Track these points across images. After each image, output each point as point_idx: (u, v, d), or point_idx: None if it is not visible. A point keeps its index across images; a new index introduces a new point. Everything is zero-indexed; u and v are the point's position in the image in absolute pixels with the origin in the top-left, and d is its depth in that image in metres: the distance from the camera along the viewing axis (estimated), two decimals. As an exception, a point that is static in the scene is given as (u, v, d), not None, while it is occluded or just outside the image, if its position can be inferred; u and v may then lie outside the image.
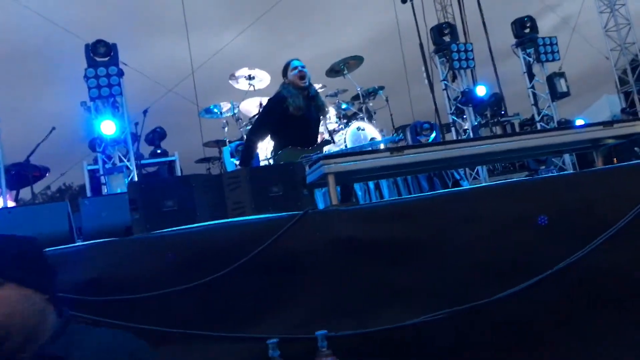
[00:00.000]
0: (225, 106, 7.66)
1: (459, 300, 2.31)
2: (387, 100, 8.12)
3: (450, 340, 2.33)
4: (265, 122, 4.86)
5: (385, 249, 2.45)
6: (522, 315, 2.37)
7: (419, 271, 2.43)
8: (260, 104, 7.42)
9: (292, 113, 4.64)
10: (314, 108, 4.88)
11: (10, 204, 6.57)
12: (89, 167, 7.05)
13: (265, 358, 2.15)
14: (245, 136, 6.00)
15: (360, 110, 7.30)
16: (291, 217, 2.45)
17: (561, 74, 8.41)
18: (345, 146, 6.01)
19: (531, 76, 8.51)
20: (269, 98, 5.29)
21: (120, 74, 6.41)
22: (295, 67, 4.78)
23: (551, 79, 8.35)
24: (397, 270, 2.44)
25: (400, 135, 6.10)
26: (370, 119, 7.13)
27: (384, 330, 2.26)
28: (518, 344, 2.39)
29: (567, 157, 7.62)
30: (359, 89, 7.44)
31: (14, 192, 6.97)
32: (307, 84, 4.81)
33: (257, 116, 5.27)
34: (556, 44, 8.35)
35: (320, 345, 2.17)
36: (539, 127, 8.17)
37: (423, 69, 7.91)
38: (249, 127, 7.45)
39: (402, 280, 2.42)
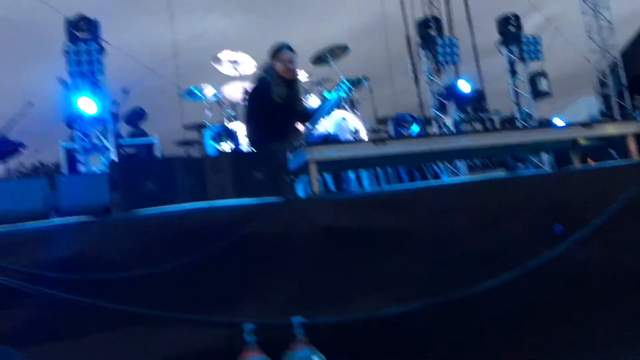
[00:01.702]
0: (208, 89, 7.55)
1: (437, 292, 2.35)
2: (371, 91, 8.10)
3: (428, 331, 2.36)
4: (257, 115, 4.69)
5: (365, 239, 2.47)
6: (500, 308, 2.42)
7: (398, 262, 2.46)
8: (246, 91, 7.35)
9: (275, 101, 4.58)
10: (293, 95, 4.81)
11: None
12: (66, 145, 6.91)
13: (242, 343, 2.15)
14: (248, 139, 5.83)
15: (343, 100, 7.28)
16: (272, 204, 2.45)
17: (543, 74, 8.51)
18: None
19: (514, 74, 8.59)
20: (254, 87, 5.17)
21: (101, 50, 6.29)
22: (286, 60, 4.62)
23: (533, 78, 8.44)
24: (376, 260, 2.46)
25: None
26: (353, 109, 7.12)
27: (362, 319, 2.28)
28: (496, 336, 2.43)
29: (545, 156, 7.73)
30: (342, 77, 7.42)
31: (-12, 166, 6.83)
32: (292, 77, 4.69)
33: (248, 110, 5.11)
34: (540, 43, 8.43)
35: (296, 332, 2.18)
36: (519, 126, 8.27)
37: (408, 61, 7.93)
38: (231, 112, 7.40)
39: (380, 270, 2.44)
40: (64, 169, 6.90)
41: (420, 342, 2.36)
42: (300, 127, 5.06)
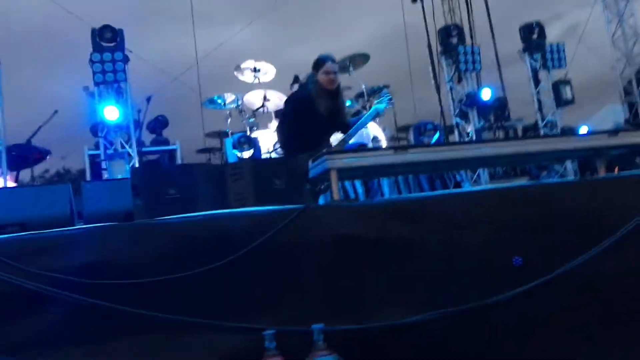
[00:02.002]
0: (229, 97, 7.64)
1: (456, 301, 2.32)
2: (391, 99, 8.09)
3: (445, 340, 2.34)
4: (296, 124, 4.67)
5: (384, 247, 2.46)
6: (520, 319, 2.38)
7: (418, 270, 2.44)
8: (265, 97, 7.40)
9: (320, 113, 4.56)
10: (338, 107, 4.83)
11: (11, 184, 6.58)
12: (90, 152, 7.04)
13: (261, 349, 2.15)
14: (277, 145, 5.80)
15: (364, 108, 7.29)
16: (292, 211, 2.46)
17: (567, 82, 8.41)
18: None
19: (537, 82, 8.51)
20: (293, 96, 5.16)
21: (126, 60, 6.40)
22: (329, 72, 4.66)
23: (557, 86, 8.35)
24: (396, 269, 2.44)
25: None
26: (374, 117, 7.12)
27: (380, 327, 2.27)
28: (513, 348, 2.40)
29: (569, 164, 7.62)
30: (363, 86, 7.43)
31: (15, 173, 6.97)
32: (335, 89, 4.73)
33: (284, 118, 5.08)
34: (563, 50, 8.34)
35: (316, 338, 2.17)
36: (542, 133, 8.17)
37: (430, 69, 7.91)
38: (252, 120, 7.46)
39: (400, 279, 2.43)
40: (88, 175, 7.02)
41: (437, 351, 2.33)
42: (334, 137, 5.06)
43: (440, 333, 2.34)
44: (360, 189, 4.62)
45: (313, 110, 4.57)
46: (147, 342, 2.18)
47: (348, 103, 7.05)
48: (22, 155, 7.00)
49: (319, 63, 4.73)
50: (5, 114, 6.34)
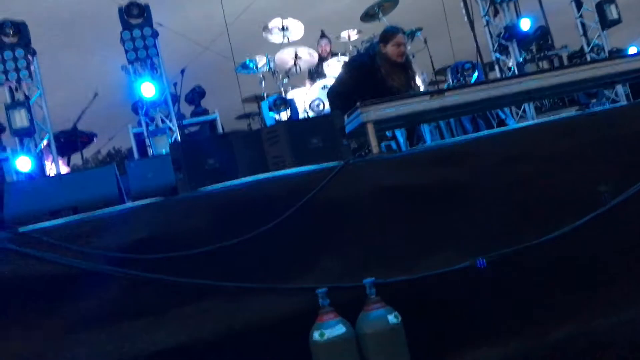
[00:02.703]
0: (261, 60, 7.59)
1: (505, 242, 2.28)
2: (425, 42, 7.83)
3: (496, 284, 2.31)
4: (359, 92, 4.19)
5: (428, 195, 2.43)
6: (572, 254, 2.32)
7: (464, 215, 2.40)
8: (296, 55, 7.31)
9: (389, 85, 4.38)
10: (409, 78, 4.66)
11: (65, 169, 6.83)
12: (134, 131, 7.19)
13: (316, 307, 2.18)
14: (326, 97, 5.64)
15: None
16: (332, 169, 2.44)
17: (611, 1, 7.88)
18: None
19: (579, 4, 8.02)
20: (356, 63, 4.90)
21: (155, 34, 6.42)
22: (400, 44, 4.47)
23: (601, 6, 7.84)
24: (442, 216, 2.42)
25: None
26: (409, 62, 6.93)
27: (431, 276, 2.26)
28: (565, 285, 2.35)
29: (619, 88, 7.24)
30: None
31: (66, 158, 7.23)
32: (404, 61, 4.57)
33: (342, 83, 4.89)
34: (606, -33, 7.80)
35: (368, 292, 2.19)
36: (588, 59, 7.75)
37: (462, 5, 7.57)
38: (285, 80, 7.41)
39: (447, 225, 2.40)
40: (135, 153, 7.20)
41: (491, 294, 2.31)
42: None
43: (493, 276, 2.31)
44: (401, 138, 4.54)
45: (380, 82, 4.37)
46: (203, 311, 2.25)
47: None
48: (70, 141, 7.24)
49: (389, 35, 4.53)
50: (50, 102, 6.51)
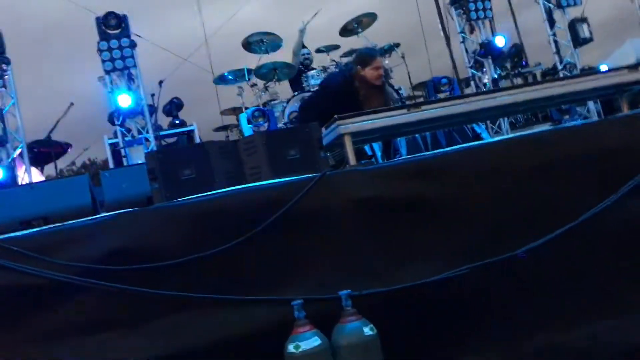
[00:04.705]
0: (240, 73, 7.60)
1: (481, 255, 2.30)
2: (403, 57, 7.95)
3: (473, 296, 2.33)
4: (324, 108, 4.28)
5: (404, 208, 2.43)
6: (544, 268, 2.35)
7: (439, 228, 2.42)
8: (275, 69, 7.32)
9: (366, 108, 4.39)
10: (387, 101, 4.72)
11: (39, 178, 6.70)
12: (110, 141, 7.11)
13: (291, 319, 2.17)
14: (296, 112, 5.63)
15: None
16: (309, 180, 2.44)
17: (583, 19, 8.10)
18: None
19: (552, 23, 8.23)
20: (332, 84, 4.87)
21: (133, 45, 6.38)
22: (378, 67, 4.52)
23: (573, 25, 8.06)
24: (417, 228, 2.43)
25: None
26: (387, 77, 7.01)
27: (406, 288, 2.26)
28: (540, 297, 2.37)
29: (591, 105, 7.42)
30: (371, 45, 7.31)
31: (39, 168, 7.10)
32: (381, 83, 4.61)
33: (316, 100, 4.86)
34: (578, -13, 8.03)
35: (344, 304, 2.18)
36: (561, 76, 7.93)
37: (439, 21, 7.70)
38: (264, 93, 7.42)
39: (422, 238, 2.41)
40: (111, 164, 7.11)
41: (464, 307, 2.33)
42: None
43: (467, 289, 2.33)
44: (378, 151, 4.57)
45: (358, 105, 4.31)
46: (179, 321, 2.22)
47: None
48: (44, 151, 7.12)
49: (367, 58, 4.55)
50: (24, 112, 6.40)
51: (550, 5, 8.18)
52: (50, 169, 7.44)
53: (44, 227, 2.42)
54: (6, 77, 6.08)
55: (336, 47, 7.58)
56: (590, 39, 8.10)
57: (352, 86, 4.50)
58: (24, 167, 6.09)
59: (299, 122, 4.97)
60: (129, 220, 2.34)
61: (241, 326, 2.27)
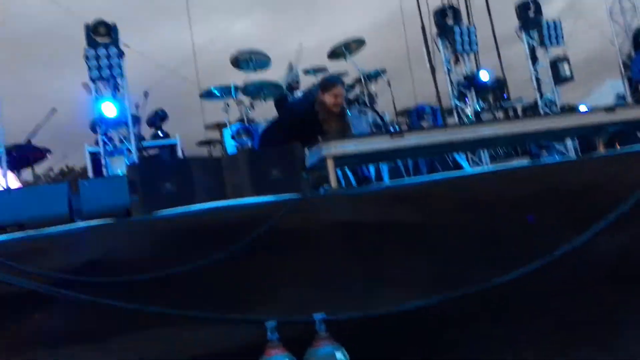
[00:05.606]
0: (227, 89, 7.61)
1: (457, 284, 2.32)
2: (389, 84, 8.05)
3: (448, 324, 2.34)
4: (294, 136, 4.18)
5: (384, 233, 2.46)
6: (521, 299, 2.38)
7: (418, 255, 2.44)
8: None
9: (324, 130, 4.43)
10: (345, 127, 4.79)
11: (16, 184, 6.58)
12: (90, 150, 7.03)
13: (265, 340, 2.15)
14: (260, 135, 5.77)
15: (361, 93, 7.26)
16: (290, 201, 2.45)
17: (565, 59, 8.32)
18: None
19: (534, 60, 8.43)
20: (295, 108, 5.07)
21: (121, 55, 6.36)
22: (337, 95, 4.59)
23: (555, 64, 8.27)
24: (397, 254, 2.44)
25: None
26: (372, 102, 7.09)
27: (382, 314, 2.27)
28: (516, 328, 2.40)
29: (569, 142, 7.58)
30: (358, 69, 7.42)
31: (16, 172, 6.98)
32: (340, 110, 4.69)
33: (280, 123, 5.02)
34: (560, 27, 8.25)
35: (318, 328, 2.17)
36: (541, 112, 8.11)
37: (425, 51, 7.84)
38: (250, 110, 7.43)
39: (401, 264, 2.43)
40: (90, 172, 7.02)
41: (440, 336, 2.34)
42: None
43: (443, 317, 2.34)
44: (351, 178, 4.61)
45: (317, 127, 4.42)
46: (149, 337, 2.19)
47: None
48: (23, 155, 7.01)
49: (328, 85, 4.65)
50: (5, 115, 6.31)
51: (534, 43, 8.39)
52: (27, 173, 7.32)
53: (18, 234, 2.38)
54: (-12, 79, 6.00)
55: (324, 69, 7.66)
56: (571, 78, 8.31)
57: (313, 109, 4.60)
58: (0, 171, 5.98)
59: (261, 144, 5.07)
60: (106, 231, 2.32)
61: (213, 345, 2.26)
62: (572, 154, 7.20)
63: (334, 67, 7.77)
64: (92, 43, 6.26)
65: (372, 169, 4.73)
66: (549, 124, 3.42)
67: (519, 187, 2.75)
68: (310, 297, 2.35)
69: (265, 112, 7.63)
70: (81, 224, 2.55)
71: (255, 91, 7.29)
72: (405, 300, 2.32)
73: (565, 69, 8.21)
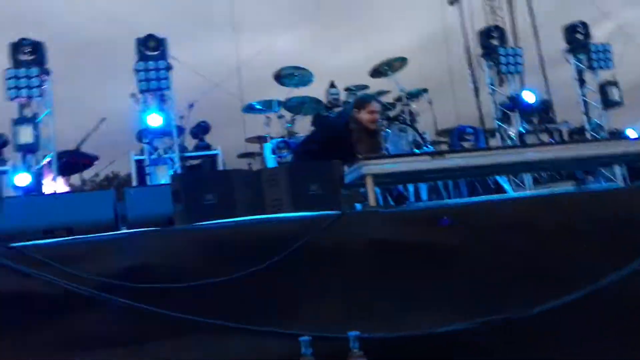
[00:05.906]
0: (269, 103, 7.73)
1: (498, 309, 2.27)
2: (430, 103, 8.02)
3: (484, 350, 2.30)
4: (326, 151, 4.35)
5: (421, 253, 2.44)
6: (561, 329, 2.31)
7: (458, 277, 2.41)
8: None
9: (356, 149, 4.50)
10: (377, 146, 4.85)
11: (65, 188, 6.83)
12: (136, 158, 7.24)
13: (297, 355, 2.16)
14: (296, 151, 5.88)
15: (402, 112, 7.25)
16: (328, 217, 2.47)
17: (614, 83, 8.12)
18: (387, 148, 5.97)
19: (582, 83, 8.25)
20: (331, 124, 5.15)
21: (169, 68, 6.55)
22: (374, 112, 4.69)
23: (603, 88, 8.07)
24: (435, 276, 2.42)
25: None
26: (412, 121, 7.07)
27: (417, 336, 2.24)
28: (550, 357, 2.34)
29: (617, 168, 7.35)
30: (400, 90, 7.41)
31: (65, 178, 7.25)
32: (376, 128, 4.78)
33: (315, 137, 5.18)
34: (610, 51, 8.07)
35: (352, 346, 2.17)
36: (589, 137, 7.90)
37: (468, 72, 7.78)
38: (291, 125, 7.52)
39: (439, 286, 2.40)
40: (134, 179, 7.22)
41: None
42: None
43: (480, 342, 2.30)
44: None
45: (349, 145, 4.51)
46: (186, 344, 2.22)
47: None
48: (72, 161, 7.28)
49: (364, 102, 4.74)
50: (57, 122, 6.57)
51: (582, 66, 8.22)
52: (75, 178, 7.59)
53: (67, 238, 2.47)
54: (44, 87, 6.27)
55: (365, 87, 7.69)
56: (620, 103, 8.09)
57: (347, 127, 4.66)
58: (51, 175, 6.22)
59: (294, 158, 5.14)
60: (151, 239, 2.38)
61: (247, 355, 2.27)
62: (619, 181, 6.98)
63: (376, 85, 7.80)
64: (142, 56, 6.48)
65: (410, 187, 4.71)
66: (598, 150, 3.34)
67: (562, 215, 2.69)
68: (346, 314, 2.34)
69: (306, 127, 7.70)
70: (126, 230, 2.63)
71: (296, 106, 7.38)
72: (441, 323, 2.29)
73: (615, 93, 8.01)
